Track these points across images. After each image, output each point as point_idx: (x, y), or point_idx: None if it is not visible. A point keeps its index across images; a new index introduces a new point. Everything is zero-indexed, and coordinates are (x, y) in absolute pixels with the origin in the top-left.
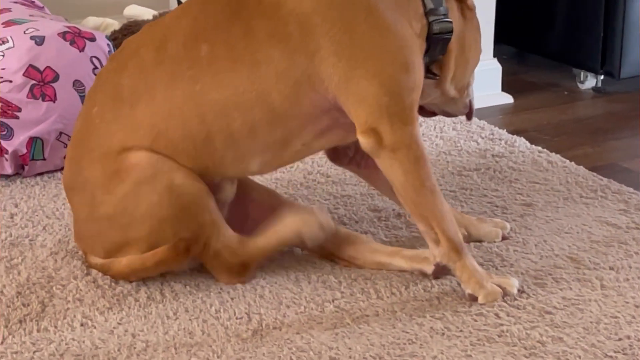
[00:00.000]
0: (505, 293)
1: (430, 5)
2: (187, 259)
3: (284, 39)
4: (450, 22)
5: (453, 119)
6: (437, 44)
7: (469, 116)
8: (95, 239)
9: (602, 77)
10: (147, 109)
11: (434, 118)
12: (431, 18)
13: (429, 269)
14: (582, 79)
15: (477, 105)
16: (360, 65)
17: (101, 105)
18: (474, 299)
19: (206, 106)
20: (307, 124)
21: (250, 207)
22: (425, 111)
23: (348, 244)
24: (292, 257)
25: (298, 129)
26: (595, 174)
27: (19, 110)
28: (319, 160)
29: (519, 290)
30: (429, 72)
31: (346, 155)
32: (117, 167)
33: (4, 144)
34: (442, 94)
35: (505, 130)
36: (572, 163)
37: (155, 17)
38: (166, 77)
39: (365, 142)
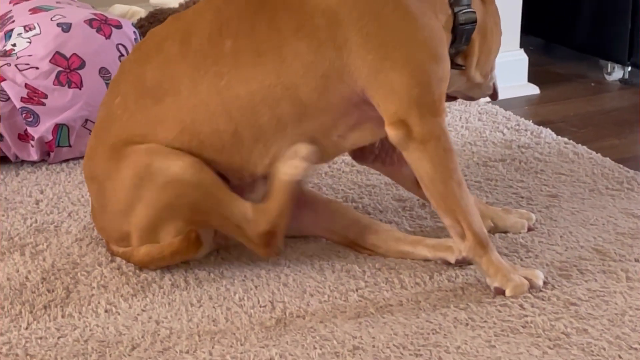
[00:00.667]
0: (531, 285)
1: None
2: (200, 249)
3: (311, 32)
4: (474, 12)
5: (479, 109)
6: (462, 35)
7: (493, 97)
8: (108, 228)
9: (629, 68)
10: (172, 103)
11: (459, 108)
12: (456, 9)
13: (452, 257)
14: (609, 70)
15: (503, 96)
16: (390, 57)
17: (124, 97)
18: (500, 292)
19: (232, 101)
20: (336, 118)
21: None
22: (447, 97)
23: (371, 232)
24: (316, 246)
25: (327, 123)
26: (621, 165)
27: (45, 97)
28: None
29: (544, 282)
30: (453, 64)
31: (372, 152)
32: (119, 153)
33: (30, 130)
34: (467, 81)
35: (531, 121)
36: (599, 155)
37: (181, 6)
38: (191, 71)
39: (393, 134)
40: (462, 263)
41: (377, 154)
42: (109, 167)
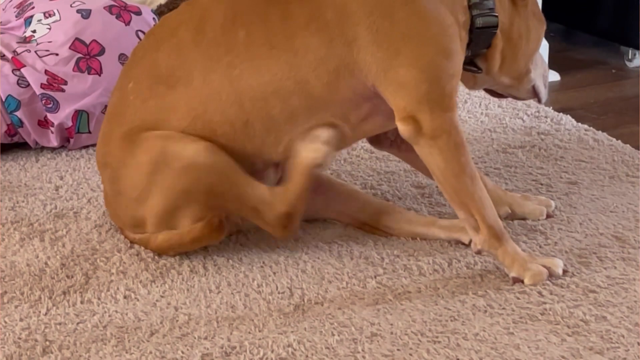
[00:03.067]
0: (550, 273)
1: None
2: (222, 235)
3: (322, 27)
4: (496, 16)
5: None
6: (479, 38)
7: (538, 100)
8: (122, 214)
9: None
10: (184, 91)
11: (479, 95)
12: (474, 12)
13: (466, 238)
14: (630, 57)
15: None
16: (399, 53)
17: (137, 82)
18: (518, 282)
19: (245, 91)
20: (347, 110)
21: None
22: (494, 93)
23: (383, 214)
24: (334, 232)
25: (338, 115)
26: None
27: (65, 83)
28: None
29: (563, 271)
30: (473, 65)
31: (387, 138)
32: (133, 140)
33: (50, 116)
34: (495, 83)
35: (551, 107)
36: (619, 141)
37: None
38: (204, 60)
39: (404, 129)
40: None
41: (392, 140)
42: (123, 153)
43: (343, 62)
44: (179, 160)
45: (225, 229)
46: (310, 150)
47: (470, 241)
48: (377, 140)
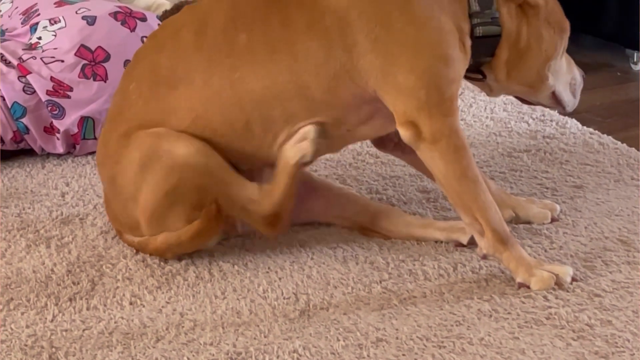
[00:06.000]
0: (558, 281)
1: (475, 8)
2: (221, 224)
3: (322, 33)
4: (498, 26)
5: (504, 100)
6: (480, 47)
7: (562, 109)
8: (120, 215)
9: None
10: (186, 92)
11: (484, 99)
12: (474, 21)
13: (465, 239)
14: (635, 59)
15: None
16: (397, 61)
17: (138, 82)
18: (524, 286)
19: (245, 94)
20: (347, 113)
21: None
22: (522, 99)
23: (381, 217)
24: (339, 237)
25: (338, 117)
26: None
27: (71, 89)
28: (368, 142)
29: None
30: (479, 73)
31: (391, 140)
32: (128, 137)
33: (56, 123)
34: (509, 90)
35: (556, 111)
36: (624, 145)
37: None
38: (205, 62)
39: (404, 134)
40: (474, 244)
41: (396, 142)
42: (119, 150)
43: (344, 67)
44: (169, 159)
45: (222, 218)
46: (295, 149)
47: (469, 242)
48: (381, 143)
